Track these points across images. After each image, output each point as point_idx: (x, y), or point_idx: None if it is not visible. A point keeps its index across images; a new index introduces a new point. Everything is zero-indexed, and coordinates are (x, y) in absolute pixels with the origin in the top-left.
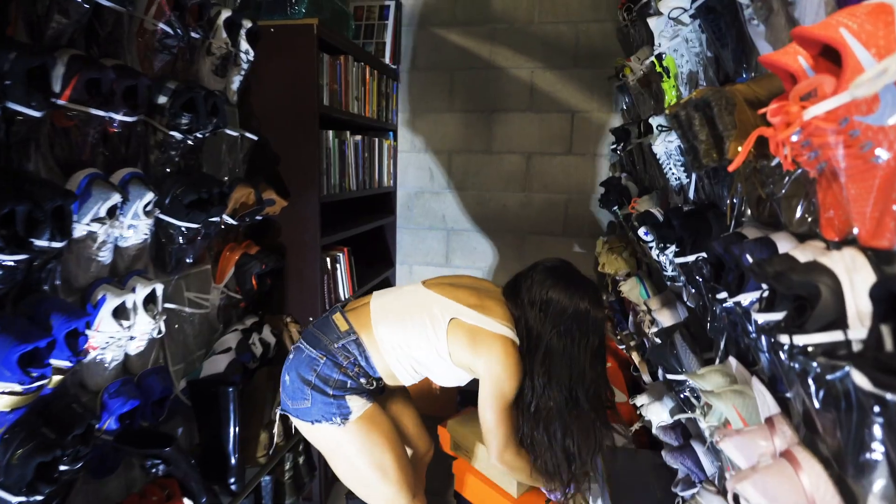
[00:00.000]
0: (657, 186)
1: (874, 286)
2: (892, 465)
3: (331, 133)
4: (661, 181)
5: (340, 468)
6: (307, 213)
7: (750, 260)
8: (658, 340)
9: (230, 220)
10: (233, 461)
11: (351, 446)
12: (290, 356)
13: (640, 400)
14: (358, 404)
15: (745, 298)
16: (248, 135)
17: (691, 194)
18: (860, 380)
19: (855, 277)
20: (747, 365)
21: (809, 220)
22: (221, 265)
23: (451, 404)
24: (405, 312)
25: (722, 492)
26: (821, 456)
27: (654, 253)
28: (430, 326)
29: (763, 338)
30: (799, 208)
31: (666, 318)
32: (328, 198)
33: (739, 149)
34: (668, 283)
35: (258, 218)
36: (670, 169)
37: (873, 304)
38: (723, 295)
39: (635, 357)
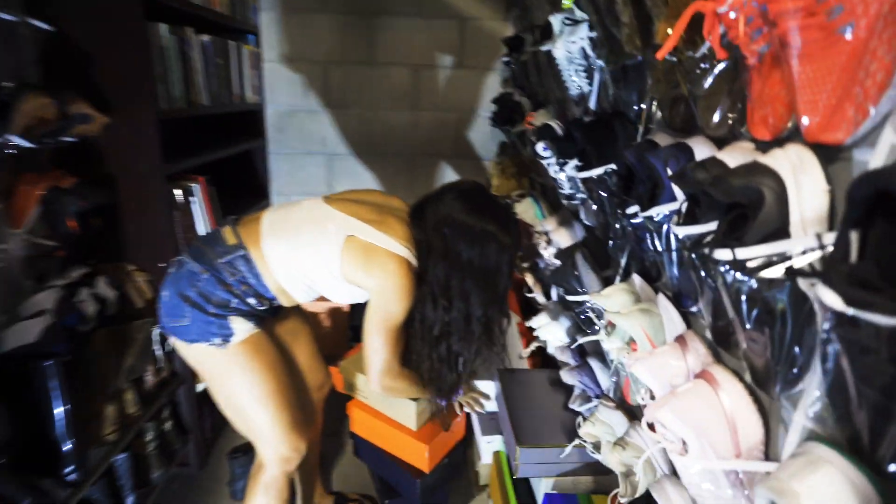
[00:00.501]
0: (553, 99)
1: (858, 181)
2: (840, 387)
3: (164, 27)
4: (559, 92)
5: (217, 392)
6: (142, 134)
7: (667, 169)
8: (557, 261)
9: (21, 142)
10: (66, 447)
11: (229, 371)
12: (171, 270)
13: (537, 321)
14: (242, 327)
15: (659, 211)
16: (35, 22)
17: (592, 104)
18: (830, 298)
19: (802, 178)
20: (650, 282)
21: (731, 120)
22: (18, 204)
23: (343, 341)
24: (298, 228)
25: (620, 406)
26: (733, 372)
27: (552, 170)
28: (324, 244)
29: (673, 253)
30: (719, 109)
31: (563, 238)
32: (171, 114)
33: (670, 31)
34: (565, 202)
35: (68, 139)
36: (570, 76)
37: (849, 206)
38: (633, 209)
39: (529, 278)
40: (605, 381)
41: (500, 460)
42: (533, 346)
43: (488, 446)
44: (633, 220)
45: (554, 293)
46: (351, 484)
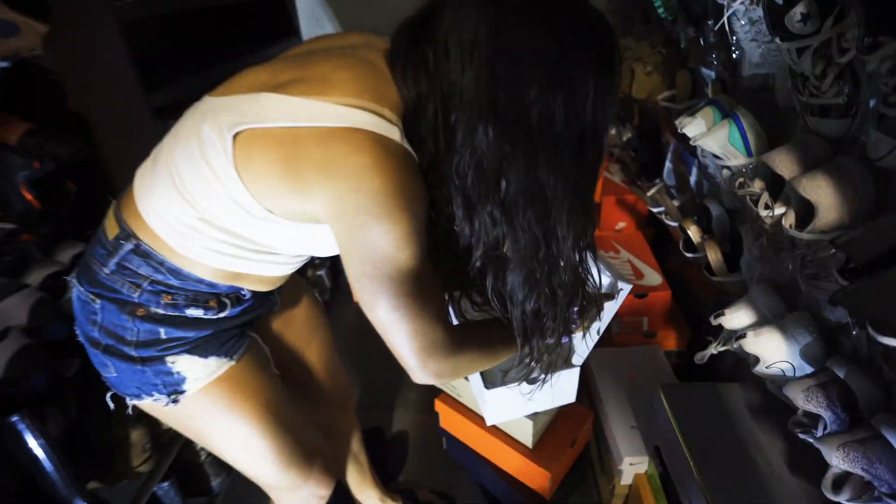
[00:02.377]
0: None
1: None
2: None
3: None
4: None
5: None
6: (97, 45)
7: None
8: (797, 234)
9: None
10: None
11: (200, 426)
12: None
13: (736, 319)
14: (197, 368)
15: None
16: None
17: None
18: None
19: None
20: None
21: None
22: None
23: None
24: (169, 159)
25: None
26: None
27: (806, 61)
28: (206, 165)
29: None
30: None
31: (826, 199)
32: (140, 8)
33: None
34: (813, 120)
35: None
36: None
37: None
38: None
39: (693, 230)
40: None
41: (652, 485)
42: (712, 350)
43: (631, 468)
44: None
45: (744, 261)
46: (440, 481)
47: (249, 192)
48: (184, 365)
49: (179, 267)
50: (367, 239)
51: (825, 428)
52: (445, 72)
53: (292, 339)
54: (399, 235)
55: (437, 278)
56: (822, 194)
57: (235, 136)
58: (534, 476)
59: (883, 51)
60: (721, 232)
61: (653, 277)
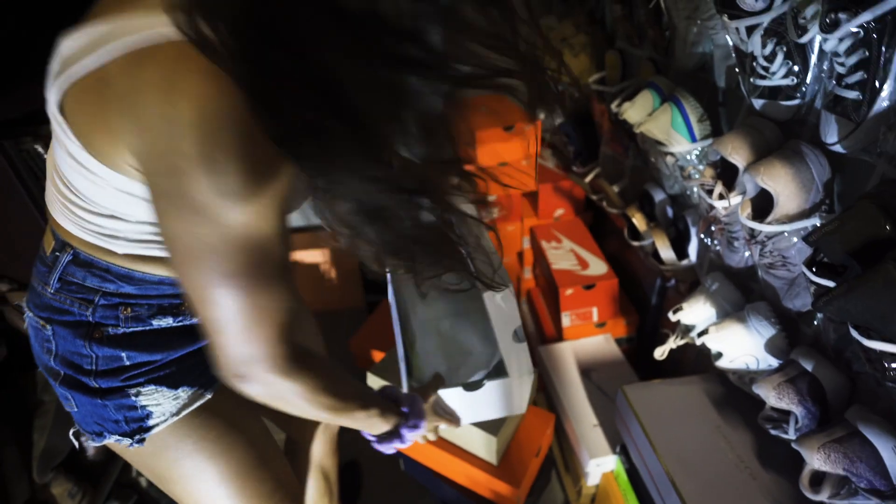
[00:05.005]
0: None
1: None
2: None
3: None
4: None
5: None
6: None
7: None
8: (778, 228)
9: None
10: None
11: (157, 468)
12: None
13: (696, 312)
14: (166, 402)
15: None
16: None
17: None
18: None
19: None
20: None
21: None
22: None
23: (357, 295)
24: (52, 157)
25: None
26: None
27: (736, 37)
28: (68, 155)
29: None
30: None
31: (788, 188)
32: None
33: None
34: (757, 102)
35: None
36: None
37: None
38: None
39: (638, 218)
40: None
41: (620, 484)
42: (671, 345)
43: (598, 469)
44: None
45: (693, 248)
46: (402, 502)
47: (81, 146)
48: (149, 398)
49: (130, 269)
50: (179, 191)
51: (797, 422)
52: None
53: None
54: (225, 192)
55: (291, 273)
56: (781, 182)
57: (62, 106)
58: (501, 492)
59: (843, 28)
60: (664, 217)
61: (598, 266)
